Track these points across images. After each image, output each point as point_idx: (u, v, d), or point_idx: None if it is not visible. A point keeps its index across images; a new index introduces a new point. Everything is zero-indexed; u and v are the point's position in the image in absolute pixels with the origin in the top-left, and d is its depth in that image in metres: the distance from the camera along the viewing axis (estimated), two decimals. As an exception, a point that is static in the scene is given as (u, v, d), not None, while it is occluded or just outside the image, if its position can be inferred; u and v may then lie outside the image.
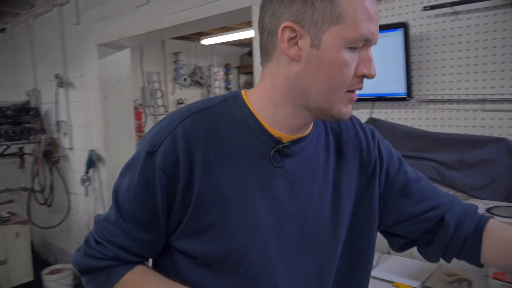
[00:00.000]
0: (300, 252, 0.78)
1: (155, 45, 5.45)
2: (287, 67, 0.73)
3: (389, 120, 1.77)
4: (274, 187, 0.76)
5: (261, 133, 0.76)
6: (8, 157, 4.29)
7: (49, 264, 3.94)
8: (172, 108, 5.88)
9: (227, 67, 6.55)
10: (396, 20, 1.69)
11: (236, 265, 0.75)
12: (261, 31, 0.76)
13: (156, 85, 5.58)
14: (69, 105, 3.87)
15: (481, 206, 1.39)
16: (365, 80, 0.74)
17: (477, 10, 1.51)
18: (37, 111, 4.10)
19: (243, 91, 0.81)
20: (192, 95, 6.17)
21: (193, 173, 0.72)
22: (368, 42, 0.71)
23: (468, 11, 1.52)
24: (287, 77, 0.73)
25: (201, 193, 0.72)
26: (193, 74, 6.09)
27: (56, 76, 3.82)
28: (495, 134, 1.51)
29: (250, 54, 6.57)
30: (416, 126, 1.70)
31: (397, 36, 1.63)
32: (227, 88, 6.55)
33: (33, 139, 3.97)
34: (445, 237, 0.85)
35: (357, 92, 0.76)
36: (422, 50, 1.66)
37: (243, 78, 6.91)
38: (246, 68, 6.74)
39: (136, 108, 4.71)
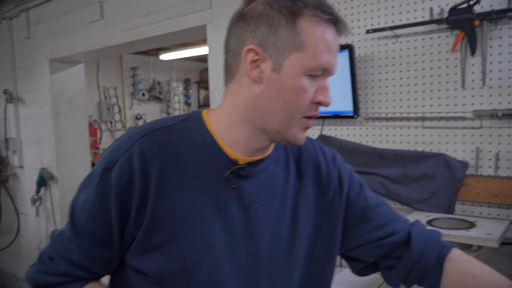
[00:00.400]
0: (253, 274, 0.79)
1: (112, 60, 5.36)
2: (248, 88, 0.75)
3: (339, 136, 1.83)
4: (228, 207, 0.77)
5: (217, 153, 0.77)
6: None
7: (-4, 290, 3.72)
8: (130, 123, 5.78)
9: (186, 82, 6.54)
10: (342, 42, 1.78)
11: (187, 283, 0.75)
12: (226, 51, 0.78)
13: (113, 100, 5.48)
14: (19, 122, 3.71)
15: (423, 218, 1.47)
16: None
17: (415, 33, 1.61)
18: (-16, 127, 3.90)
19: (204, 111, 0.82)
20: (151, 110, 6.10)
21: (148, 191, 0.73)
22: (326, 72, 0.75)
23: (408, 34, 1.63)
24: (248, 98, 0.75)
25: (155, 211, 0.73)
26: (151, 89, 6.03)
27: (5, 92, 3.67)
28: (435, 149, 1.60)
29: (209, 69, 6.60)
30: (364, 142, 1.77)
31: (343, 57, 1.71)
32: (186, 103, 6.53)
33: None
34: (408, 264, 0.87)
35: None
36: (367, 70, 1.75)
37: (203, 93, 6.91)
38: (205, 83, 6.75)
39: (90, 124, 4.60)
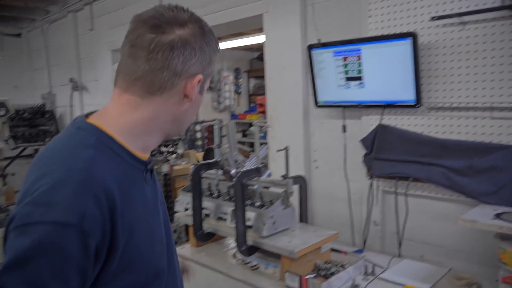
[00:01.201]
0: (174, 255, 0.95)
1: (166, 50, 5.52)
2: (176, 105, 0.83)
3: (399, 126, 1.80)
4: (152, 202, 0.88)
5: (136, 162, 0.83)
6: (24, 158, 4.38)
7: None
8: (182, 112, 5.95)
9: (236, 71, 6.61)
10: (404, 29, 1.73)
11: (154, 277, 0.84)
12: (161, 69, 0.79)
13: (167, 89, 5.67)
14: (83, 108, 3.96)
15: (490, 211, 1.42)
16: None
17: (484, 20, 1.54)
18: (52, 114, 4.19)
19: (99, 125, 0.80)
20: (202, 99, 6.23)
21: (115, 225, 0.72)
22: None
23: (476, 21, 1.56)
24: (173, 112, 0.84)
25: (124, 241, 0.75)
26: (203, 78, 6.16)
27: (71, 80, 3.91)
28: (504, 141, 1.54)
29: (259, 58, 6.63)
30: (426, 133, 1.73)
31: (405, 45, 1.67)
32: (237, 92, 6.60)
33: (49, 141, 4.06)
34: None
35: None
36: (430, 59, 1.70)
37: (252, 82, 6.96)
38: (255, 72, 6.80)
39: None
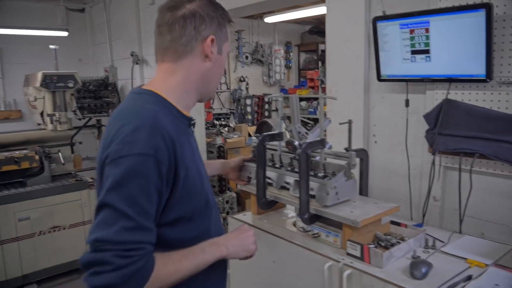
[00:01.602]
0: (211, 191, 1.18)
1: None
2: (200, 65, 1.09)
3: (466, 101, 1.76)
4: (196, 151, 1.13)
5: (182, 118, 1.09)
6: (88, 128, 4.69)
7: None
8: (233, 86, 6.05)
9: (287, 45, 6.57)
10: (478, 0, 1.67)
11: (205, 206, 1.11)
12: (180, 37, 1.06)
13: (219, 63, 5.76)
14: (144, 81, 4.14)
15: (562, 190, 1.39)
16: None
17: None
18: (114, 86, 4.43)
19: (153, 90, 1.07)
20: (253, 73, 6.29)
21: (177, 159, 0.98)
22: None
23: (560, -10, 1.48)
24: (200, 72, 1.10)
25: (183, 174, 1.01)
26: (254, 52, 6.19)
27: (132, 54, 4.09)
28: None
29: (311, 32, 6.53)
30: (495, 108, 1.69)
31: (478, 17, 1.61)
32: (287, 67, 6.58)
33: (112, 112, 4.31)
34: None
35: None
36: (505, 31, 1.63)
37: (303, 56, 6.90)
38: (306, 46, 6.72)
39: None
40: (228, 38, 1.16)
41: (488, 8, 1.59)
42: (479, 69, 1.67)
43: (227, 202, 4.25)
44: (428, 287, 1.30)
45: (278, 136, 1.84)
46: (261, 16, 5.43)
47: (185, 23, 1.04)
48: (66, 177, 3.80)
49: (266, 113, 6.13)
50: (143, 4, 3.93)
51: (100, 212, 0.90)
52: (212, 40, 1.08)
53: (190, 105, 1.13)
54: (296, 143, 1.69)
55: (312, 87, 6.19)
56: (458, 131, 1.78)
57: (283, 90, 6.51)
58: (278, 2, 2.87)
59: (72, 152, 4.04)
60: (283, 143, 1.83)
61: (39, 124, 4.00)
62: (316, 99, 5.35)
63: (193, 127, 1.16)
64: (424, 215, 1.96)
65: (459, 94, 1.79)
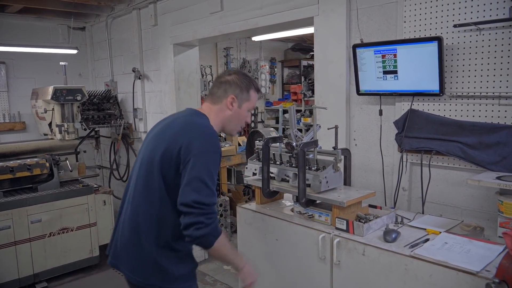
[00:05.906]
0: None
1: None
2: (225, 111, 1.75)
3: (425, 110, 2.26)
4: None
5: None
6: (91, 138, 5.01)
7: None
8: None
9: (272, 61, 7.08)
10: (432, 33, 2.17)
11: None
12: (220, 91, 1.75)
13: (209, 78, 6.19)
14: (145, 95, 4.52)
15: (494, 175, 1.87)
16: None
17: (495, 28, 1.97)
18: (115, 99, 4.79)
19: (205, 115, 1.73)
20: (240, 87, 6.72)
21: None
22: (251, 110, 1.86)
23: (489, 28, 1.99)
24: (225, 116, 1.75)
25: None
26: (242, 67, 6.65)
27: (134, 70, 4.47)
28: (508, 122, 1.97)
29: (293, 49, 7.06)
30: (446, 116, 2.18)
31: (432, 47, 2.11)
32: (271, 81, 7.07)
33: (113, 123, 4.66)
34: None
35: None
36: (452, 57, 2.14)
37: (286, 71, 7.41)
38: (289, 62, 7.25)
39: (202, 98, 5.34)
40: (251, 100, 1.79)
41: (439, 40, 2.09)
42: (435, 86, 2.16)
43: (220, 205, 4.64)
44: (397, 247, 1.75)
45: (279, 139, 2.28)
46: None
47: (221, 86, 1.76)
48: (73, 183, 4.09)
49: (253, 124, 6.58)
50: (146, 25, 4.34)
51: (193, 182, 1.50)
52: (233, 98, 1.73)
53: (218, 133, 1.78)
54: (294, 143, 2.13)
55: (296, 100, 6.69)
56: (419, 134, 2.27)
57: (268, 103, 6.99)
58: (279, 28, 3.26)
59: (77, 160, 4.35)
60: (282, 145, 2.27)
61: (45, 134, 4.30)
62: (299, 111, 5.83)
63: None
64: (395, 203, 2.43)
65: (420, 105, 2.28)
